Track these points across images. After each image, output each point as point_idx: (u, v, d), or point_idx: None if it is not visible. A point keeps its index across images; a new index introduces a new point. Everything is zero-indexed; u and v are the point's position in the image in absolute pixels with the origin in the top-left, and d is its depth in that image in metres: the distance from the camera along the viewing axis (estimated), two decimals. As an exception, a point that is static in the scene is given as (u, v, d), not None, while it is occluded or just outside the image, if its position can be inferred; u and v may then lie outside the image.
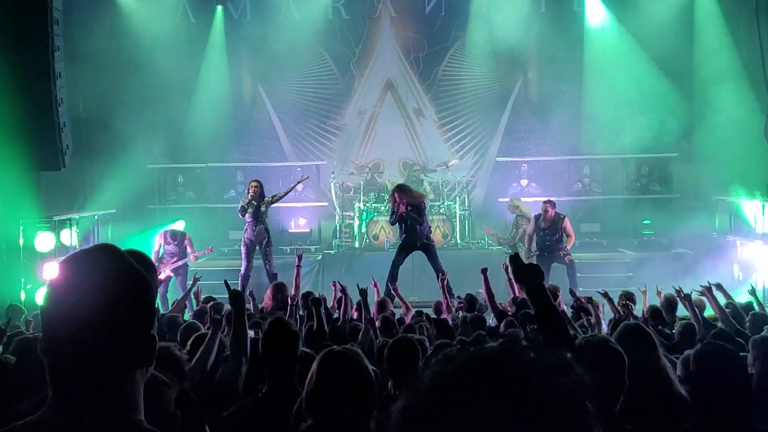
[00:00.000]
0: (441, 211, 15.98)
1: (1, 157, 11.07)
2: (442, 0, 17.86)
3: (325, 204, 17.15)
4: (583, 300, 8.16)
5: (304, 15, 17.53)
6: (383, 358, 4.75)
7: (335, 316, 8.33)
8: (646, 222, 16.27)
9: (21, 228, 11.92)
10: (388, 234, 15.33)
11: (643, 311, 8.18)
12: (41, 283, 11.36)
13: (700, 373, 3.28)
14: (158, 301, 9.42)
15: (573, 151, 17.18)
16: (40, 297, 10.44)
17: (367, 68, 18.31)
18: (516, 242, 14.70)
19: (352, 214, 16.29)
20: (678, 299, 7.94)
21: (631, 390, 3.31)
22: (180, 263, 13.11)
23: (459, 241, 15.88)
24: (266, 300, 8.81)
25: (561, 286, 9.75)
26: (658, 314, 7.71)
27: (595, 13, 17.32)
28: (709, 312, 8.05)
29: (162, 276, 12.43)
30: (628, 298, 8.38)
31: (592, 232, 16.58)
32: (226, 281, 5.51)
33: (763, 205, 13.06)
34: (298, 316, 7.45)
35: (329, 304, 9.11)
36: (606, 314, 8.24)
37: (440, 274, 9.85)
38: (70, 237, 12.83)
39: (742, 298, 9.35)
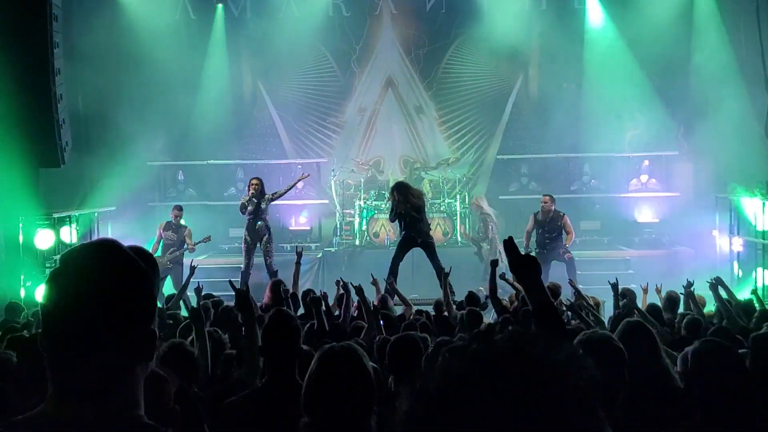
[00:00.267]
0: (441, 208, 15.99)
1: (1, 154, 11.06)
2: (442, -3, 17.87)
3: (326, 201, 17.16)
4: (583, 296, 8.16)
5: (305, 12, 17.51)
6: (383, 355, 4.75)
7: (336, 313, 8.33)
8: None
9: (21, 225, 11.91)
10: (388, 231, 15.34)
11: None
12: (41, 280, 11.36)
13: (698, 369, 3.28)
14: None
15: (573, 149, 17.18)
16: (39, 294, 10.44)
17: (367, 65, 18.30)
18: (483, 241, 14.57)
19: (352, 212, 16.30)
20: (680, 295, 7.94)
21: (632, 386, 3.31)
22: (177, 253, 13.17)
23: (459, 238, 15.88)
24: (266, 297, 8.80)
25: (561, 285, 9.72)
26: (658, 312, 7.71)
27: (596, 11, 17.31)
28: (706, 309, 8.06)
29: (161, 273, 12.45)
30: (628, 296, 8.38)
31: (593, 229, 16.59)
32: (230, 281, 5.50)
33: (763, 203, 13.05)
34: (296, 314, 7.43)
35: (330, 301, 9.12)
36: (608, 310, 8.24)
37: (442, 272, 9.83)
38: (69, 234, 12.82)
39: (742, 295, 9.36)
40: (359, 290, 7.23)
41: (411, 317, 8.07)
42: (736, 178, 14.21)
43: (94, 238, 13.46)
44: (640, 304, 8.54)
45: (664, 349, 4.12)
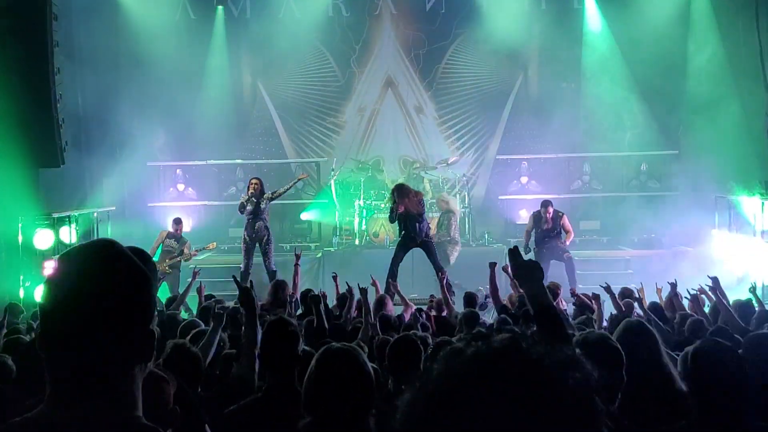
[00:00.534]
0: (441, 208, 15.97)
1: (0, 153, 11.04)
2: (442, -3, 17.87)
3: (326, 201, 17.14)
4: (583, 297, 8.17)
5: (305, 12, 17.51)
6: (382, 355, 4.74)
7: (336, 313, 8.33)
8: None
9: (20, 225, 11.89)
10: (388, 231, 15.32)
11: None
12: (40, 280, 11.34)
13: (697, 369, 3.28)
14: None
15: (573, 149, 17.19)
16: (38, 294, 10.43)
17: (367, 65, 18.30)
18: (445, 239, 14.50)
19: (352, 212, 16.28)
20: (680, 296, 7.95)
21: (632, 386, 3.30)
22: (178, 259, 13.17)
23: (459, 238, 15.86)
24: (266, 297, 8.79)
25: (560, 283, 9.72)
26: (660, 312, 7.71)
27: (595, 11, 17.30)
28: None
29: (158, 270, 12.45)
30: (628, 295, 8.38)
31: (592, 229, 16.60)
32: (234, 276, 5.50)
33: (763, 203, 13.04)
34: (296, 314, 7.44)
35: (331, 299, 9.12)
36: (607, 309, 8.24)
37: (440, 272, 9.83)
38: (69, 234, 12.80)
39: (741, 295, 9.34)
40: (363, 292, 7.22)
41: (410, 317, 8.07)
42: (736, 177, 14.20)
43: (94, 238, 13.45)
44: (638, 306, 8.54)
45: (665, 350, 4.11)
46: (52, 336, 1.69)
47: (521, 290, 8.65)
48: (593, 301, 7.84)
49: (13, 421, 1.70)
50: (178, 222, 13.72)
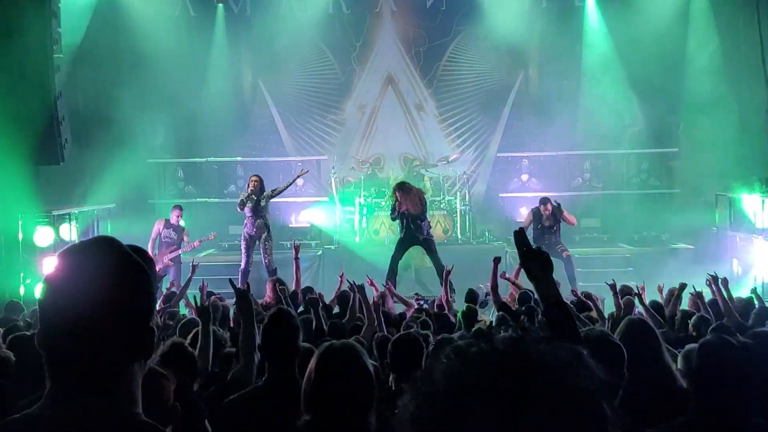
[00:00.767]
0: (442, 206, 15.97)
1: (0, 150, 11.03)
2: (442, -6, 17.86)
3: (326, 199, 17.14)
4: (581, 296, 8.16)
5: (305, 10, 17.50)
6: (383, 353, 4.74)
7: (335, 311, 8.32)
8: None
9: (20, 222, 11.89)
10: (388, 229, 15.31)
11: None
12: (40, 277, 11.34)
13: (703, 364, 3.27)
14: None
15: (573, 147, 17.19)
16: (38, 291, 10.42)
17: (367, 63, 18.29)
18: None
19: (352, 209, 16.27)
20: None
21: (633, 384, 3.29)
22: (177, 252, 13.15)
23: (459, 236, 15.88)
24: (267, 296, 8.79)
25: (560, 281, 9.70)
26: (660, 310, 7.70)
27: (596, 9, 17.28)
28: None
29: (159, 266, 12.43)
30: (627, 293, 8.37)
31: (592, 227, 16.61)
32: (231, 280, 5.48)
33: (763, 201, 13.04)
34: (297, 311, 7.43)
35: (331, 297, 9.12)
36: (609, 306, 8.23)
37: (442, 270, 9.82)
38: (69, 231, 12.80)
39: (742, 292, 9.35)
40: (360, 289, 7.22)
41: (410, 315, 8.07)
42: (736, 175, 14.20)
43: (94, 235, 13.45)
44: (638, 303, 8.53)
45: (666, 347, 4.11)
46: (51, 333, 1.69)
47: (528, 284, 8.65)
48: (592, 300, 7.83)
49: (13, 418, 1.70)
50: (180, 209, 13.61)
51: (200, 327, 5.03)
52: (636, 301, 7.63)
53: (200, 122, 17.05)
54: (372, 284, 9.46)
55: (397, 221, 12.12)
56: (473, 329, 6.29)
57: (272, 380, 3.67)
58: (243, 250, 12.78)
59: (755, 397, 3.26)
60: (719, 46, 15.83)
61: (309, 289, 9.22)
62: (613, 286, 7.94)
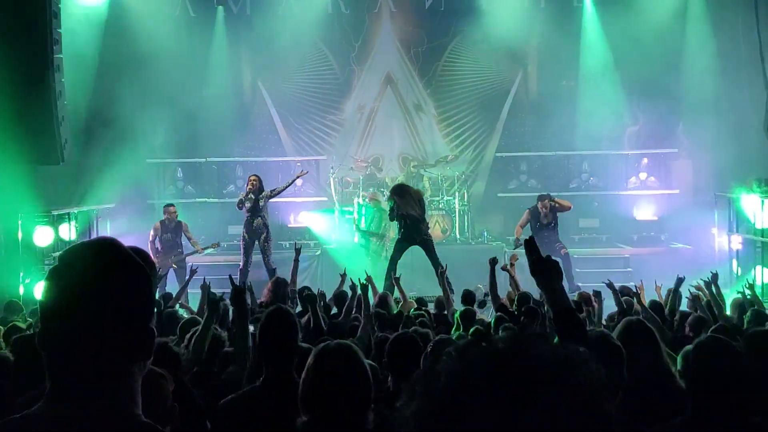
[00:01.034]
0: (440, 206, 15.99)
1: (0, 150, 11.03)
2: (441, -5, 17.85)
3: (325, 199, 17.15)
4: (582, 294, 8.17)
5: (304, 10, 17.49)
6: (382, 352, 4.74)
7: (333, 311, 8.33)
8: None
9: (19, 222, 11.89)
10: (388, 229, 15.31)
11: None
12: (40, 277, 11.34)
13: (698, 364, 3.29)
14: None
15: (572, 147, 17.19)
16: (38, 291, 10.42)
17: (366, 63, 18.29)
18: (374, 234, 14.31)
19: (351, 209, 16.27)
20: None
21: (632, 385, 3.30)
22: (182, 257, 13.11)
23: (458, 236, 15.89)
24: (265, 294, 8.78)
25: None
26: (659, 310, 7.71)
27: (594, 9, 17.28)
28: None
29: (162, 272, 12.42)
30: (626, 293, 8.38)
31: (591, 227, 16.60)
32: (230, 276, 5.49)
33: (762, 201, 13.05)
34: (295, 310, 7.44)
35: (329, 296, 9.11)
36: (608, 306, 8.24)
37: (439, 269, 9.82)
38: (68, 231, 12.80)
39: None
40: (363, 288, 7.20)
41: (409, 313, 8.06)
42: (735, 175, 14.21)
43: (93, 235, 13.46)
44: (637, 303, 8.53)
45: (665, 348, 4.12)
46: (52, 333, 1.70)
47: (518, 281, 8.64)
48: (592, 299, 7.83)
49: (12, 418, 1.70)
50: (172, 206, 13.50)
51: (204, 317, 5.03)
52: (634, 301, 7.64)
53: (200, 122, 17.04)
54: (369, 281, 9.47)
55: (396, 221, 12.12)
56: (471, 330, 6.29)
57: (270, 380, 3.66)
58: (242, 250, 12.78)
59: (752, 396, 3.27)
60: (718, 45, 15.84)
61: (306, 288, 9.21)
62: (610, 286, 7.95)
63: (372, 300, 7.80)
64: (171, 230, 13.28)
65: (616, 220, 16.58)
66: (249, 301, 8.63)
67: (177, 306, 9.39)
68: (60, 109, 12.07)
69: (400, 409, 1.23)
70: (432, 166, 16.90)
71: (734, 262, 14.09)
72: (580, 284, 11.97)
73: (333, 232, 16.17)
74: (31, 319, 8.14)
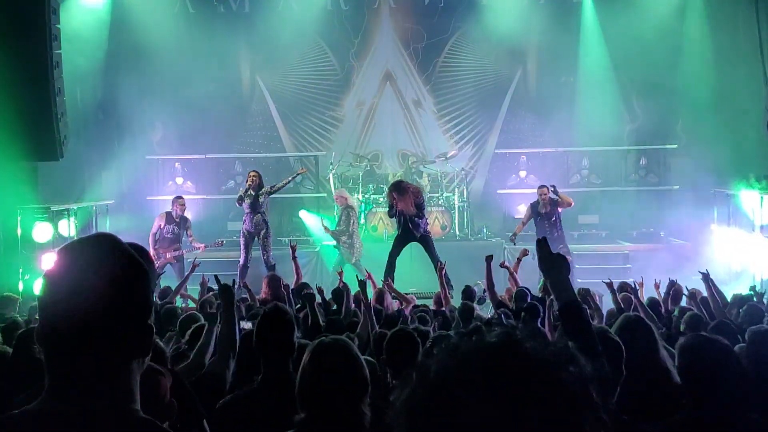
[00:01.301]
0: (440, 202, 15.99)
1: (-1, 147, 11.03)
2: (441, -9, 17.85)
3: (324, 195, 17.15)
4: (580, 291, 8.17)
5: (303, 6, 17.49)
6: (381, 348, 4.74)
7: (333, 308, 8.33)
8: None
9: (19, 218, 11.89)
10: (387, 225, 15.32)
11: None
12: (39, 273, 11.34)
13: (685, 363, 3.31)
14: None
15: (571, 143, 17.18)
16: (37, 287, 10.42)
17: (366, 59, 18.28)
18: (343, 234, 14.18)
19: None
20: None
21: (630, 381, 3.31)
22: (180, 252, 13.09)
23: (458, 232, 15.89)
24: (263, 292, 8.79)
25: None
26: (657, 307, 7.72)
27: (594, 5, 17.27)
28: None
29: (159, 262, 12.42)
30: (625, 290, 8.39)
31: (591, 223, 16.61)
32: (216, 276, 5.47)
33: (761, 197, 13.05)
34: (294, 306, 7.45)
35: (328, 295, 9.12)
36: (607, 303, 8.25)
37: (438, 265, 9.83)
38: (68, 227, 12.80)
39: (740, 289, 9.36)
40: (362, 284, 7.21)
41: (409, 311, 8.08)
42: (735, 171, 14.21)
43: (93, 231, 13.44)
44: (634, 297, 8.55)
45: (663, 344, 4.13)
46: (50, 329, 1.70)
47: (517, 277, 8.64)
48: (588, 297, 7.85)
49: (11, 413, 1.71)
50: (178, 201, 13.34)
51: (206, 328, 5.02)
52: (632, 297, 7.65)
53: (199, 118, 17.04)
54: (370, 278, 9.49)
55: (395, 218, 12.12)
56: (469, 326, 6.29)
57: (268, 379, 3.66)
58: (242, 246, 12.78)
59: (748, 393, 3.27)
60: (717, 41, 15.83)
61: (305, 285, 9.22)
62: (609, 285, 7.96)
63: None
64: (176, 223, 13.22)
65: (616, 216, 16.59)
66: (249, 297, 8.68)
67: (178, 298, 9.43)
68: (59, 105, 12.06)
69: (392, 401, 1.24)
70: (431, 162, 16.89)
71: (733, 259, 14.09)
72: (579, 280, 11.96)
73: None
74: (20, 316, 8.12)
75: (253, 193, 12.63)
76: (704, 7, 16.25)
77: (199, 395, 3.94)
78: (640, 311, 6.65)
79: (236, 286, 6.12)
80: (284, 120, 18.26)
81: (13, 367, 4.70)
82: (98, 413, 1.66)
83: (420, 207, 11.68)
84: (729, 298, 8.52)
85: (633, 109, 17.28)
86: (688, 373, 3.28)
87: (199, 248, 13.07)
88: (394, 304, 8.75)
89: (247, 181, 12.91)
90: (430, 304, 9.20)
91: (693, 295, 7.83)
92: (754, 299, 8.37)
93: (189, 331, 5.50)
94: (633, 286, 8.02)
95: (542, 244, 3.10)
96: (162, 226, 13.13)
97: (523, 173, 17.32)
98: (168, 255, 12.89)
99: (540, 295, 7.87)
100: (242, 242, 12.77)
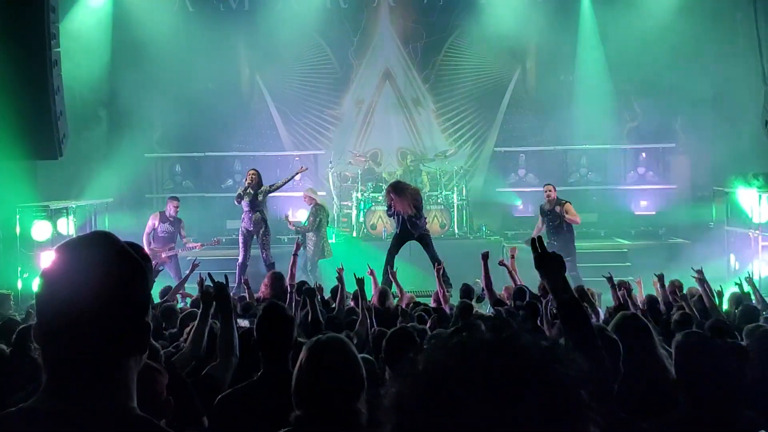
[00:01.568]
0: (439, 200, 15.99)
1: (-2, 145, 11.04)
2: (440, -11, 17.84)
3: (323, 194, 17.13)
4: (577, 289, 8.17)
5: (303, 4, 17.49)
6: (379, 347, 4.75)
7: (332, 306, 8.33)
8: None
9: (18, 216, 11.90)
10: (385, 224, 15.32)
11: (641, 302, 8.18)
12: (38, 271, 11.33)
13: (680, 361, 3.31)
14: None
15: (570, 142, 17.19)
16: (35, 285, 10.40)
17: (365, 58, 18.28)
18: (307, 230, 14.07)
19: (350, 204, 16.28)
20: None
21: (627, 378, 3.32)
22: (175, 251, 13.07)
23: (457, 230, 15.89)
24: (263, 289, 8.79)
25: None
26: (655, 304, 7.72)
27: (593, 4, 17.27)
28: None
29: (155, 261, 12.40)
30: (624, 287, 8.38)
31: (590, 222, 16.60)
32: (210, 274, 5.46)
33: (760, 196, 13.07)
34: (294, 304, 7.44)
35: (326, 293, 9.13)
36: (605, 301, 8.25)
37: (436, 264, 9.83)
38: (66, 226, 12.80)
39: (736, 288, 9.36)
40: (360, 282, 7.20)
41: (408, 307, 8.08)
42: (734, 170, 14.23)
43: (91, 230, 13.44)
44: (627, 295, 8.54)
45: (660, 341, 4.13)
46: (48, 327, 1.70)
47: (516, 275, 8.64)
48: (586, 295, 7.85)
49: (9, 411, 1.71)
50: (174, 201, 13.28)
51: (200, 310, 5.01)
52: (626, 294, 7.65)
53: (198, 117, 17.03)
54: (372, 274, 9.49)
55: (394, 216, 12.11)
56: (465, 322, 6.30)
57: (266, 375, 3.67)
58: (241, 245, 12.77)
59: (743, 391, 3.28)
60: (716, 40, 15.83)
61: (303, 283, 9.22)
62: (609, 279, 7.95)
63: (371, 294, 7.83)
64: (170, 222, 13.20)
65: (615, 215, 16.60)
66: (247, 295, 8.68)
67: (178, 298, 9.43)
68: (58, 104, 12.06)
69: (382, 395, 1.24)
70: (430, 160, 16.90)
71: (732, 257, 14.11)
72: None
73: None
74: (17, 314, 8.11)
75: (252, 191, 12.62)
76: (703, 7, 16.24)
77: (198, 395, 3.95)
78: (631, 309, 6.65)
79: (235, 285, 6.12)
80: (283, 118, 18.26)
81: (10, 365, 4.71)
82: (95, 411, 1.67)
83: (418, 208, 11.66)
84: (728, 296, 8.52)
85: (631, 107, 17.29)
86: (685, 371, 3.29)
87: (194, 247, 13.07)
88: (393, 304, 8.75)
89: (246, 180, 12.89)
90: (429, 302, 9.19)
91: (685, 296, 7.82)
92: (747, 290, 8.37)
93: (188, 329, 5.50)
94: (628, 285, 8.02)
95: (535, 244, 3.09)
96: (156, 226, 13.10)
97: (522, 171, 17.33)
98: (163, 255, 12.87)
99: (539, 294, 7.87)
100: (241, 240, 12.76)
